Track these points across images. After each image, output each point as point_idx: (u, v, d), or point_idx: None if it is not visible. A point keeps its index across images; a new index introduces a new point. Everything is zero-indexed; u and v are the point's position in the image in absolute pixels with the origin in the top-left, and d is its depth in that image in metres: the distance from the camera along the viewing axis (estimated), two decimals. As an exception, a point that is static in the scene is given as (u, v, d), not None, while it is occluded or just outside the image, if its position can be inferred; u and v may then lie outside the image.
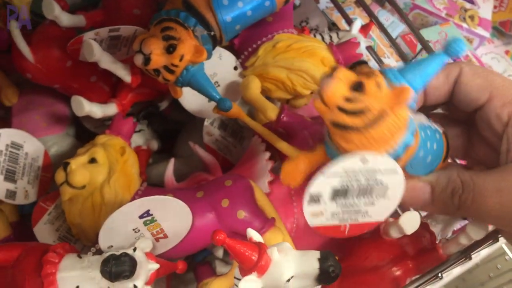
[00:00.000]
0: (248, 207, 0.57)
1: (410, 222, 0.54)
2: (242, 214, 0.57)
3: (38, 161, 0.64)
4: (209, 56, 0.59)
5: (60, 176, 0.56)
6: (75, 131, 0.73)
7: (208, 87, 0.58)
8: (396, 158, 0.43)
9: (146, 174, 0.67)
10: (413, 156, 0.45)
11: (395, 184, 0.45)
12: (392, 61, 0.83)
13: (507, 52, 1.16)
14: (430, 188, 0.49)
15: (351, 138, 0.41)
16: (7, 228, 0.64)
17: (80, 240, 0.60)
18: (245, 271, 0.43)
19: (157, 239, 0.54)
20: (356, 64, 0.70)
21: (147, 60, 0.55)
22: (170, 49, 0.55)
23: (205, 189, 0.59)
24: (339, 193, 0.45)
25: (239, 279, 0.46)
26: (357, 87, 0.40)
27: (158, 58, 0.55)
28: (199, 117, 0.73)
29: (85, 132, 0.72)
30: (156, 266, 0.50)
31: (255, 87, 0.62)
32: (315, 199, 0.45)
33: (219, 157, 0.70)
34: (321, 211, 0.46)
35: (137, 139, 0.70)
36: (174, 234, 0.55)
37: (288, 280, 0.42)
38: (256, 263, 0.42)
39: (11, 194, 0.60)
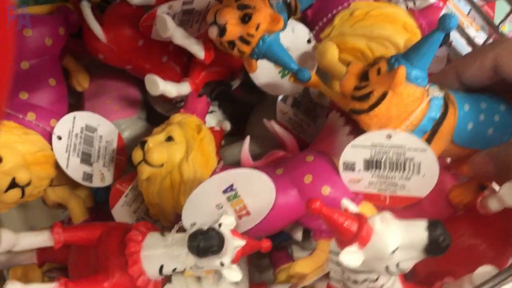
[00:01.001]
0: (333, 182, 0.53)
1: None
2: (327, 190, 0.53)
3: (113, 144, 0.63)
4: (284, 26, 0.56)
5: (137, 154, 0.55)
6: (146, 115, 0.71)
7: (285, 57, 0.55)
8: (424, 132, 0.48)
9: (220, 155, 0.65)
10: (456, 129, 0.49)
11: (427, 162, 0.49)
12: (472, 30, 0.77)
13: None
14: (489, 160, 0.50)
15: (364, 120, 0.48)
16: (85, 213, 0.63)
17: (159, 221, 0.58)
18: (344, 243, 0.39)
19: (239, 217, 0.52)
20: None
21: (222, 31, 0.53)
22: (245, 19, 0.53)
23: (285, 166, 0.56)
24: (371, 164, 0.51)
25: (336, 254, 0.42)
26: (364, 76, 0.47)
27: (234, 28, 0.53)
28: (270, 97, 0.70)
29: (156, 117, 0.71)
30: (242, 242, 0.47)
31: (332, 53, 0.59)
32: (350, 167, 0.52)
33: (293, 136, 0.67)
34: (358, 178, 0.52)
35: (210, 120, 0.68)
36: (257, 211, 0.52)
37: (393, 252, 0.38)
38: (356, 233, 0.39)
39: (88, 176, 0.60)
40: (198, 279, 0.53)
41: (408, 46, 0.59)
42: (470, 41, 0.73)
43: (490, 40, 0.71)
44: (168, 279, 0.53)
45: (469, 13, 0.82)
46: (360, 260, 0.38)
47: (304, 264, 0.54)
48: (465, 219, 0.56)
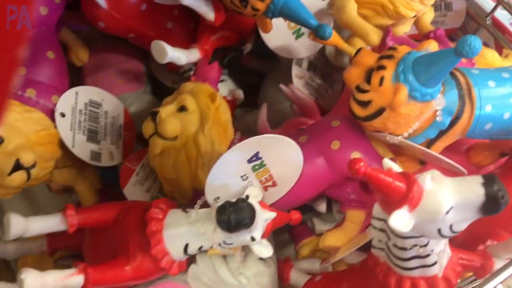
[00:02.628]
0: (363, 147, 0.50)
1: None
2: (357, 155, 0.49)
3: (119, 120, 0.59)
4: (299, -19, 0.51)
5: (149, 127, 0.51)
6: (151, 89, 0.67)
7: (304, 12, 0.51)
8: (427, 138, 0.47)
9: (235, 126, 0.61)
10: (471, 128, 0.47)
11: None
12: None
13: None
14: None
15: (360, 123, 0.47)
16: (94, 195, 0.59)
17: (175, 198, 0.54)
18: (392, 206, 0.35)
19: (265, 188, 0.48)
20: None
21: (234, -13, 0.49)
22: (259, -27, 0.48)
23: (308, 132, 0.52)
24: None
25: (380, 219, 0.39)
26: (369, 74, 0.44)
27: (247, -17, 0.48)
28: (283, 63, 0.66)
29: (161, 91, 0.67)
30: (273, 214, 0.44)
31: (351, 8, 0.55)
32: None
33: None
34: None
35: (221, 89, 0.63)
36: (284, 181, 0.48)
37: (447, 212, 0.35)
38: (406, 194, 0.35)
39: (96, 155, 0.55)
40: (224, 258, 0.50)
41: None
42: (491, -9, 0.68)
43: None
44: (192, 259, 0.49)
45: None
46: (411, 223, 0.35)
47: (335, 237, 0.51)
48: (503, 179, 0.52)
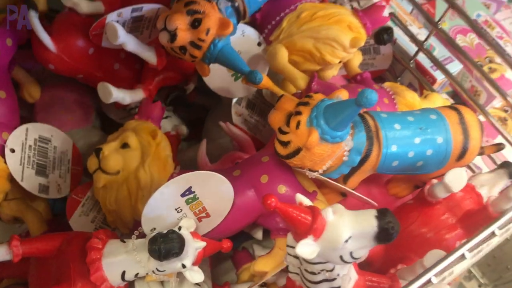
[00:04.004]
0: (288, 181, 0.55)
1: (456, 179, 0.52)
2: (283, 188, 0.55)
3: (68, 155, 0.63)
4: (234, 30, 0.57)
5: (92, 163, 0.55)
6: (100, 123, 0.71)
7: (237, 60, 0.57)
8: (341, 173, 0.53)
9: (178, 160, 0.65)
10: (380, 165, 0.53)
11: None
12: (414, 28, 0.81)
13: (525, 17, 1.14)
14: None
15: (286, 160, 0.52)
16: (43, 225, 0.62)
17: (117, 228, 0.58)
18: (300, 235, 0.41)
19: (199, 219, 0.52)
20: (382, 31, 0.68)
21: (173, 36, 0.54)
22: (195, 24, 0.54)
23: (242, 167, 0.58)
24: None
25: (293, 247, 0.44)
26: (287, 121, 0.50)
27: (184, 34, 0.54)
28: (225, 101, 0.71)
29: (111, 125, 0.71)
30: (202, 244, 0.48)
31: (282, 55, 0.61)
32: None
33: (249, 137, 0.68)
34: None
35: (165, 125, 0.68)
36: (216, 212, 0.53)
37: (346, 241, 0.40)
38: (311, 225, 0.40)
39: (44, 188, 0.59)
40: (161, 283, 0.54)
41: (355, 45, 0.62)
42: (413, 38, 0.76)
43: (431, 37, 0.75)
44: (131, 285, 0.53)
45: (411, 11, 0.86)
46: (315, 251, 0.40)
47: (264, 262, 0.56)
48: (415, 209, 0.59)
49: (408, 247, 0.57)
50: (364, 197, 0.53)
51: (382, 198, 0.63)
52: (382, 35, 0.69)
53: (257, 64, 0.66)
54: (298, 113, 0.49)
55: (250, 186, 0.55)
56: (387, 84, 0.71)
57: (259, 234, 0.64)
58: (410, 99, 0.69)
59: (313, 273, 0.43)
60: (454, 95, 0.90)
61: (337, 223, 0.41)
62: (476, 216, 0.56)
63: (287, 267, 0.48)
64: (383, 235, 0.40)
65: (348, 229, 0.40)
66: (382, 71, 0.81)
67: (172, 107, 0.71)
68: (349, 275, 0.44)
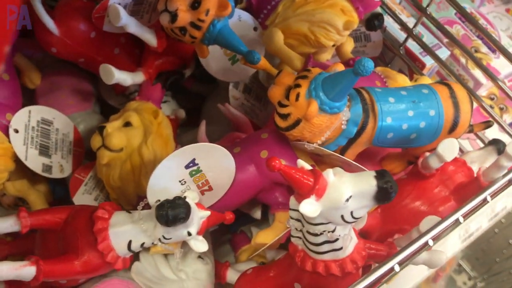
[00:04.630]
0: (288, 156, 0.57)
1: (449, 148, 0.54)
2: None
3: (69, 137, 0.64)
4: (232, 12, 0.59)
5: (96, 140, 0.56)
6: (100, 110, 0.72)
7: (236, 41, 0.58)
8: (338, 145, 0.54)
9: (176, 142, 0.67)
10: (375, 138, 0.55)
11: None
12: (403, 17, 0.84)
13: (507, 11, 1.18)
14: None
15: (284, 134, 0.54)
16: (46, 205, 0.63)
17: (121, 205, 0.59)
18: (303, 196, 0.42)
19: (202, 192, 0.54)
20: (373, 17, 0.71)
21: (173, 17, 0.56)
22: (195, 5, 0.56)
23: (241, 144, 0.59)
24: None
25: (295, 210, 0.46)
26: (287, 94, 0.52)
27: (184, 14, 0.56)
28: (222, 85, 0.73)
29: (110, 112, 0.72)
30: (207, 213, 0.50)
31: (278, 38, 0.63)
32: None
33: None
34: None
35: (164, 109, 0.70)
36: (219, 186, 0.54)
37: (347, 200, 0.42)
38: (313, 186, 0.42)
39: (47, 168, 0.60)
40: (165, 256, 0.55)
41: (348, 28, 0.64)
42: (403, 24, 0.79)
43: (420, 25, 0.78)
44: (136, 257, 0.54)
45: (400, 2, 0.89)
46: (318, 210, 0.42)
47: (264, 235, 0.57)
48: (409, 183, 0.61)
49: (403, 220, 0.59)
50: (362, 167, 0.55)
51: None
52: (373, 21, 0.71)
53: (254, 49, 0.68)
54: (297, 85, 0.51)
55: (251, 161, 0.57)
56: (378, 69, 0.73)
57: (258, 214, 0.66)
58: (401, 82, 0.71)
59: (315, 234, 0.45)
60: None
61: (338, 183, 0.42)
62: (468, 188, 0.58)
63: (289, 235, 0.49)
64: (382, 194, 0.42)
65: (349, 189, 0.42)
66: (373, 58, 0.83)
67: (171, 92, 0.73)
68: (350, 235, 0.46)
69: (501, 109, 0.99)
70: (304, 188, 0.42)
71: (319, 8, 0.64)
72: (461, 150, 0.77)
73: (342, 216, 0.43)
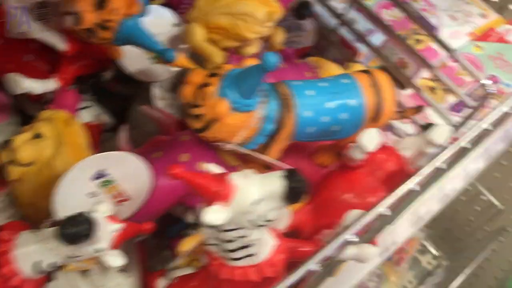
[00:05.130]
0: (209, 158, 0.54)
1: (369, 138, 0.52)
2: (204, 165, 0.54)
3: (-17, 152, 0.60)
4: (144, 10, 0.56)
5: (3, 156, 0.53)
6: (20, 120, 0.69)
7: (149, 39, 0.55)
8: (258, 144, 0.52)
9: (102, 150, 0.64)
10: (296, 132, 0.53)
11: None
12: (337, 3, 0.81)
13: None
14: None
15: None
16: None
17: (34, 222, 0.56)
18: (209, 203, 0.40)
19: (118, 202, 0.51)
20: (301, 6, 0.69)
21: (77, 19, 0.52)
22: (101, 4, 0.53)
23: (163, 148, 0.57)
24: None
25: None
26: (198, 94, 0.50)
27: (89, 15, 0.52)
28: (147, 86, 0.70)
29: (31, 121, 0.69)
30: (117, 226, 0.47)
31: (198, 33, 0.60)
32: None
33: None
34: None
35: (85, 115, 0.66)
36: (136, 195, 0.52)
37: (256, 203, 0.40)
38: (217, 191, 0.40)
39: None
40: (84, 272, 0.52)
41: (271, 19, 0.62)
42: (334, 12, 0.77)
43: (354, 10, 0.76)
44: (53, 276, 0.51)
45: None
46: (224, 217, 0.40)
47: (188, 242, 0.55)
48: (339, 176, 0.59)
49: (334, 214, 0.57)
50: (286, 165, 0.53)
51: (310, 168, 0.63)
52: (300, 10, 0.69)
53: (176, 45, 0.65)
54: (207, 84, 0.48)
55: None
56: (310, 59, 0.72)
57: (191, 217, 0.63)
58: (332, 71, 0.69)
59: (229, 241, 0.43)
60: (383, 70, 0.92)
61: (245, 186, 0.40)
62: (397, 177, 0.57)
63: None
64: (291, 195, 0.40)
65: (257, 192, 0.40)
66: (308, 47, 0.81)
67: (95, 97, 0.70)
68: (265, 240, 0.44)
69: (445, 90, 0.98)
70: (209, 195, 0.40)
71: (239, 0, 0.62)
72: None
73: (253, 220, 0.41)
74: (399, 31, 0.78)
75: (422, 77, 0.96)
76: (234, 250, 0.43)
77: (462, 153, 0.55)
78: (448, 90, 0.81)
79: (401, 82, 0.90)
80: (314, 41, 0.81)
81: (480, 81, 0.62)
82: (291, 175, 0.40)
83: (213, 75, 0.49)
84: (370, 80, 0.55)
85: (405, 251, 1.55)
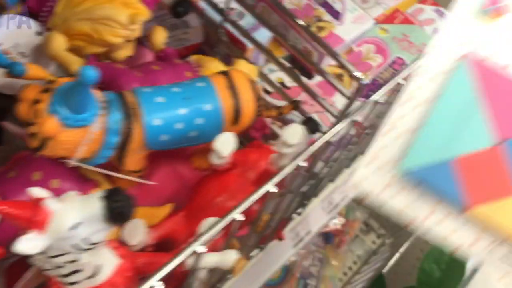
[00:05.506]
0: (63, 174, 0.52)
1: (223, 143, 0.51)
2: (55, 183, 0.52)
3: None
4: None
5: None
6: None
7: (-10, 54, 0.53)
8: (106, 158, 0.50)
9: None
10: (148, 141, 0.51)
11: None
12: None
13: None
14: None
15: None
16: None
17: None
18: (25, 231, 0.38)
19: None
20: (177, 4, 0.67)
21: None
22: None
23: (18, 167, 0.54)
24: None
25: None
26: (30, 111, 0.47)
27: None
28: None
29: None
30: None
31: (56, 42, 0.58)
32: None
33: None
34: None
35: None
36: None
37: (73, 228, 0.38)
38: (31, 218, 0.38)
39: None
40: None
41: (134, 21, 0.60)
42: (217, 8, 0.74)
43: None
44: None
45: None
46: (40, 245, 0.38)
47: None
48: (212, 179, 0.58)
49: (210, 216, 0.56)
50: (144, 181, 0.51)
51: (189, 172, 0.62)
52: (176, 8, 0.67)
53: (41, 55, 0.62)
54: (38, 101, 0.46)
55: (22, 186, 0.52)
56: (193, 58, 0.70)
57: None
58: (213, 69, 0.68)
59: (60, 266, 0.41)
60: (292, 59, 0.91)
61: (62, 211, 0.38)
62: (265, 176, 0.56)
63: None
64: (113, 216, 0.39)
65: (75, 216, 0.38)
66: (197, 44, 0.79)
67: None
68: (106, 260, 0.42)
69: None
70: (23, 223, 0.38)
71: (98, 4, 0.59)
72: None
73: (76, 245, 0.39)
74: (302, 19, 0.76)
75: (329, 64, 0.95)
76: (67, 275, 0.41)
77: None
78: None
79: (308, 71, 0.90)
80: (203, 38, 0.79)
81: (353, 73, 0.61)
82: (111, 195, 0.38)
83: (45, 90, 0.47)
84: (226, 82, 0.53)
85: (345, 233, 1.57)
